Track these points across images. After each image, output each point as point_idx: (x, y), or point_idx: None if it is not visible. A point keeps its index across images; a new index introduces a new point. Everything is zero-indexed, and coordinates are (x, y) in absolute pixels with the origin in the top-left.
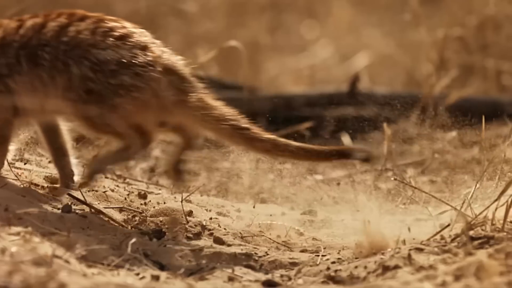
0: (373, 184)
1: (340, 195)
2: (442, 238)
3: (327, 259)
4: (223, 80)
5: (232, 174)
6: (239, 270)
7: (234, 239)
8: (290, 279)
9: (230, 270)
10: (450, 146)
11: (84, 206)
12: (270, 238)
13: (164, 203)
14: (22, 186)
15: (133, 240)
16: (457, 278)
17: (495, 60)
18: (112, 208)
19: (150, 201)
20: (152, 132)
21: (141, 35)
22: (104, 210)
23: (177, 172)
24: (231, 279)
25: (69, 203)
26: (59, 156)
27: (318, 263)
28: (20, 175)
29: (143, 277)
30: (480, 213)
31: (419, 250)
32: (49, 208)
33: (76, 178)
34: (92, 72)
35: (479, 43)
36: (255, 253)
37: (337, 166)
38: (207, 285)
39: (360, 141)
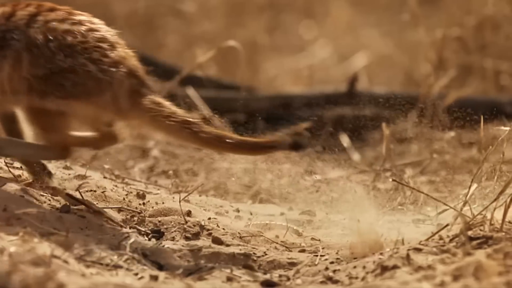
0: (371, 184)
1: (338, 195)
2: (441, 238)
3: (326, 259)
4: (222, 80)
5: (230, 174)
6: (237, 270)
7: (232, 239)
8: (288, 279)
9: (228, 270)
10: (448, 146)
11: (83, 206)
12: (268, 238)
13: (163, 203)
14: (20, 186)
15: (132, 240)
16: (456, 278)
17: (493, 60)
18: (111, 208)
19: (148, 201)
20: (73, 146)
21: (109, 33)
22: (103, 210)
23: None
24: (229, 279)
25: (68, 203)
26: None
27: (316, 263)
28: (20, 175)
29: (141, 277)
30: (479, 213)
31: (418, 250)
32: (48, 208)
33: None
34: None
35: (478, 43)
36: (254, 253)
37: (336, 166)
38: (205, 285)
39: (359, 141)
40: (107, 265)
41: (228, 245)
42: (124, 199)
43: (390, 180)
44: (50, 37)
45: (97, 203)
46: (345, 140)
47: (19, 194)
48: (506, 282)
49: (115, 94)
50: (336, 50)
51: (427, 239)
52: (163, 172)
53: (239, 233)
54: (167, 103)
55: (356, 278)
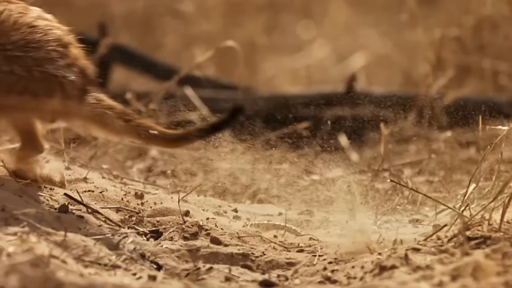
0: (370, 184)
1: (337, 195)
2: (439, 238)
3: (324, 259)
4: (220, 80)
5: (229, 174)
6: (236, 270)
7: (231, 239)
8: (287, 279)
9: (227, 270)
10: (447, 146)
11: (81, 206)
12: (267, 238)
13: (161, 203)
14: (18, 186)
15: (130, 240)
16: (454, 278)
17: (492, 60)
18: (109, 208)
19: (147, 201)
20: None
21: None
22: (101, 210)
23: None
24: (228, 279)
25: (66, 203)
26: None
27: (315, 263)
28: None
29: (140, 277)
30: (477, 213)
31: (416, 250)
32: (46, 208)
33: None
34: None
35: (476, 43)
36: (252, 253)
37: (334, 166)
38: (204, 285)
39: (357, 141)
40: (106, 265)
41: (226, 245)
42: (122, 199)
43: (388, 180)
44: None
45: (95, 203)
46: (343, 140)
47: (17, 194)
48: (505, 282)
49: (64, 94)
50: (334, 50)
51: (425, 239)
52: (161, 172)
53: (237, 233)
54: (109, 100)
55: (355, 278)
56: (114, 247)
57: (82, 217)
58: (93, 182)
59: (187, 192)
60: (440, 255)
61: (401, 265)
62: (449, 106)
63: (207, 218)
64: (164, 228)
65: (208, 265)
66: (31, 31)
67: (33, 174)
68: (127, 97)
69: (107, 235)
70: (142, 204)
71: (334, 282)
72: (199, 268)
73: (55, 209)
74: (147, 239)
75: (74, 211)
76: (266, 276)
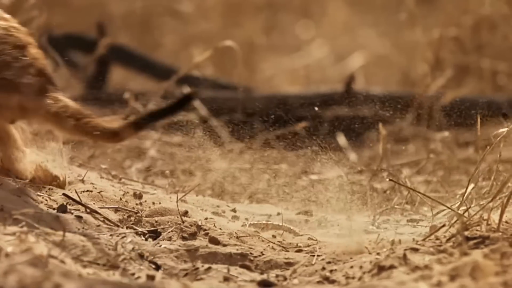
0: (368, 184)
1: (335, 195)
2: (438, 238)
3: (323, 259)
4: (219, 80)
5: (227, 174)
6: (234, 270)
7: (229, 239)
8: (285, 279)
9: (225, 270)
10: (445, 146)
11: (80, 206)
12: (265, 238)
13: (160, 203)
14: (17, 186)
15: (129, 240)
16: (453, 278)
17: (490, 60)
18: (108, 208)
19: (145, 201)
20: None
21: (22, 33)
22: (100, 210)
23: None
24: (226, 279)
25: (65, 203)
26: None
27: (313, 263)
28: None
29: (138, 277)
30: (476, 213)
31: (414, 250)
32: (45, 208)
33: None
34: None
35: (475, 43)
36: (251, 253)
37: (332, 166)
38: (202, 285)
39: (356, 141)
40: (104, 265)
41: (225, 245)
42: (121, 199)
43: (387, 180)
44: None
45: (94, 203)
46: (341, 140)
47: (16, 194)
48: (503, 282)
49: (22, 95)
50: (333, 50)
51: (423, 239)
52: (160, 172)
53: (236, 233)
54: (66, 100)
55: (353, 278)
56: (113, 247)
57: (80, 217)
58: (91, 182)
59: (185, 192)
60: (439, 255)
61: (400, 265)
62: (448, 106)
63: (206, 218)
64: (163, 228)
65: (206, 265)
66: None
67: (31, 174)
68: (126, 97)
69: (105, 235)
70: (141, 204)
71: (332, 282)
72: (197, 268)
73: (54, 209)
74: (146, 239)
75: (72, 211)
76: (264, 276)
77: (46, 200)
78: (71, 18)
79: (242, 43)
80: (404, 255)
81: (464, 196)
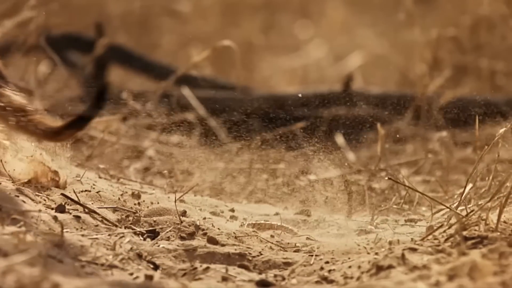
0: (366, 183)
1: (333, 195)
2: (436, 238)
3: (321, 259)
4: (217, 80)
5: (226, 174)
6: (232, 270)
7: (227, 239)
8: (283, 279)
9: (224, 270)
10: (443, 146)
11: (78, 206)
12: (263, 238)
13: (158, 203)
14: (15, 186)
15: (127, 240)
16: (451, 278)
17: (489, 60)
18: (106, 208)
19: (143, 201)
20: None
21: None
22: (98, 210)
23: None
24: (224, 279)
25: (63, 203)
26: None
27: (311, 263)
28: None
29: (136, 277)
30: (474, 213)
31: (413, 250)
32: (43, 208)
33: None
34: None
35: (473, 43)
36: (249, 253)
37: (331, 166)
38: (200, 285)
39: (354, 141)
40: (102, 265)
41: (223, 245)
42: (119, 199)
43: (386, 178)
44: None
45: (92, 203)
46: (340, 140)
47: (14, 194)
48: (501, 282)
49: None
50: (331, 50)
51: (422, 239)
52: (158, 172)
53: (234, 233)
54: (13, 96)
55: (351, 278)
56: (111, 247)
57: (79, 217)
58: (90, 182)
59: (184, 192)
60: (437, 255)
61: (398, 265)
62: (446, 106)
63: (204, 218)
64: (161, 228)
65: (205, 265)
66: None
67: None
68: (124, 96)
69: (104, 235)
70: (139, 204)
71: (331, 282)
72: (196, 268)
73: (52, 209)
74: (144, 239)
75: (71, 211)
76: (263, 276)
77: (45, 200)
78: (69, 18)
79: (240, 43)
80: (403, 255)
81: (462, 196)
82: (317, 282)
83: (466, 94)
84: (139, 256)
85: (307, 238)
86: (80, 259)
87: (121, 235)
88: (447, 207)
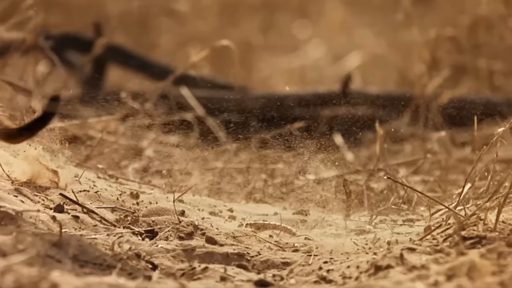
0: (365, 184)
1: (332, 195)
2: (434, 238)
3: (319, 259)
4: (215, 80)
5: (224, 174)
6: (231, 270)
7: (226, 239)
8: (282, 279)
9: (222, 270)
10: (442, 146)
11: (77, 206)
12: (262, 238)
13: (156, 203)
14: (14, 186)
15: (126, 240)
16: (449, 277)
17: (487, 60)
18: (105, 208)
19: (142, 201)
20: None
21: None
22: (97, 210)
23: None
24: (223, 279)
25: (62, 203)
26: None
27: (310, 263)
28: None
29: (135, 277)
30: (473, 213)
31: (411, 250)
32: (41, 208)
33: None
34: None
35: (472, 43)
36: (247, 253)
37: (329, 165)
38: (199, 285)
39: (352, 141)
40: (101, 264)
41: (221, 245)
42: (117, 199)
43: (385, 178)
44: None
45: (90, 203)
46: (338, 139)
47: (12, 194)
48: (500, 282)
49: None
50: (329, 49)
51: (420, 239)
52: (157, 172)
53: (232, 232)
54: None
55: (350, 277)
56: (110, 247)
57: (77, 217)
58: (88, 182)
59: (182, 192)
60: (436, 254)
61: (397, 264)
62: (445, 106)
63: (203, 218)
64: (160, 228)
65: (203, 265)
66: None
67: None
68: (122, 96)
69: (102, 235)
70: (138, 204)
71: (329, 281)
72: (194, 268)
73: (51, 208)
74: (143, 239)
75: (69, 211)
76: (261, 276)
77: (43, 200)
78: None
79: (238, 43)
80: (401, 255)
81: (461, 196)
82: (315, 282)
83: (465, 94)
84: (138, 256)
85: (306, 238)
86: (79, 259)
87: (120, 235)
88: (446, 207)
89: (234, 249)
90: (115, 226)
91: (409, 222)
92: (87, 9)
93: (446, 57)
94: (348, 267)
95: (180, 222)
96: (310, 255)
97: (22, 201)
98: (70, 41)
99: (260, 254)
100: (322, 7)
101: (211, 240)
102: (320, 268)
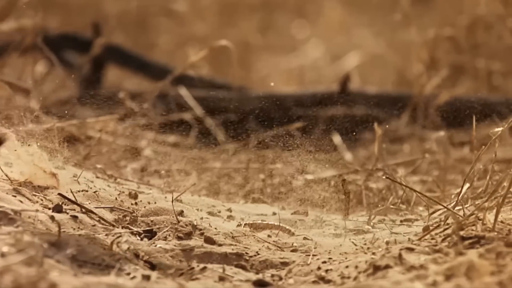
0: (363, 183)
1: (330, 195)
2: (433, 238)
3: (318, 259)
4: (214, 80)
5: (223, 174)
6: (230, 270)
7: (225, 238)
8: (281, 278)
9: (221, 270)
10: (440, 146)
11: (75, 206)
12: (261, 238)
13: (155, 203)
14: (12, 186)
15: (124, 240)
16: (448, 277)
17: (485, 60)
18: (103, 208)
19: (141, 201)
20: None
21: None
22: (95, 210)
23: None
24: (222, 278)
25: (60, 203)
26: None
27: (309, 262)
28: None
29: (134, 277)
30: (471, 213)
31: (410, 249)
32: (40, 208)
33: None
34: None
35: (470, 43)
36: (246, 253)
37: (328, 165)
38: (198, 285)
39: (351, 140)
40: (99, 264)
41: (220, 245)
42: (116, 199)
43: (384, 177)
44: None
45: (89, 203)
46: (337, 139)
47: (11, 194)
48: (498, 281)
49: None
50: (328, 49)
51: (419, 239)
52: (155, 172)
53: (231, 232)
54: None
55: (349, 277)
56: (108, 246)
57: (76, 217)
58: (87, 182)
59: (181, 191)
60: (434, 254)
61: (395, 264)
62: (443, 106)
63: (201, 218)
64: (158, 228)
65: (202, 265)
66: None
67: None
68: (121, 96)
69: (101, 235)
70: (136, 204)
71: (328, 281)
72: (193, 268)
73: (49, 208)
74: (141, 239)
75: (68, 211)
76: (260, 276)
77: (42, 200)
78: (66, 18)
79: (237, 43)
80: (400, 254)
81: (459, 195)
82: (314, 282)
83: (463, 94)
84: (136, 256)
85: (304, 238)
86: (77, 259)
87: (118, 235)
88: (444, 207)
89: (232, 249)
90: (113, 226)
91: (407, 222)
92: (85, 9)
93: (445, 57)
94: (347, 267)
95: (178, 222)
96: (309, 255)
97: (21, 201)
98: (68, 41)
99: (258, 254)
100: (321, 7)
101: (209, 240)
102: (319, 268)
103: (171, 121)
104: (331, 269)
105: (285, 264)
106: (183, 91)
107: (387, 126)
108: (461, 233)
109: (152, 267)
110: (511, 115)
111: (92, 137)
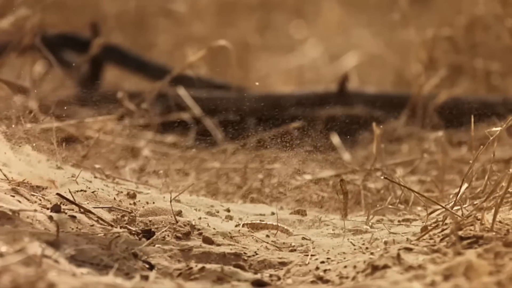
0: (362, 183)
1: (329, 195)
2: (431, 238)
3: (316, 259)
4: (213, 80)
5: (221, 174)
6: (228, 270)
7: (223, 238)
8: (279, 278)
9: (219, 270)
10: (439, 146)
11: (74, 206)
12: (259, 238)
13: (153, 203)
14: (11, 186)
15: (122, 240)
16: (446, 277)
17: (484, 60)
18: (102, 208)
19: (139, 201)
20: None
21: None
22: (94, 210)
23: None
24: (220, 278)
25: (58, 203)
26: None
27: (307, 262)
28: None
29: (132, 277)
30: (470, 213)
31: (408, 249)
32: (38, 208)
33: None
34: None
35: (468, 43)
36: (244, 253)
37: (326, 165)
38: (196, 285)
39: (349, 140)
40: (98, 264)
41: (218, 245)
42: (114, 199)
43: (382, 177)
44: None
45: (87, 203)
46: (335, 139)
47: (9, 193)
48: (497, 281)
49: None
50: (327, 49)
51: (417, 239)
52: (154, 172)
53: (229, 232)
54: None
55: (347, 277)
56: (107, 246)
57: (74, 216)
58: (85, 182)
59: (179, 191)
60: (433, 254)
61: (394, 264)
62: (442, 106)
63: (200, 218)
64: (157, 228)
65: (200, 265)
66: None
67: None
68: (119, 96)
69: (99, 235)
70: (135, 204)
71: (326, 281)
72: (191, 268)
73: (48, 208)
74: (139, 239)
75: (66, 211)
76: (258, 276)
77: (40, 200)
78: (65, 18)
79: (236, 43)
80: (398, 254)
81: (457, 196)
82: (312, 282)
83: (462, 94)
84: (135, 256)
85: (303, 238)
86: (76, 259)
87: (117, 235)
88: (443, 207)
89: (231, 249)
90: (112, 226)
91: (406, 222)
92: (84, 9)
93: (443, 57)
94: (345, 267)
95: (177, 222)
96: (307, 255)
97: (19, 201)
98: (67, 41)
99: (257, 254)
100: (319, 7)
101: (208, 240)
102: (317, 268)
103: (170, 121)
104: (329, 269)
105: (283, 264)
106: (182, 91)
107: (386, 126)
108: (460, 233)
109: (151, 267)
110: (510, 115)
111: (91, 137)
